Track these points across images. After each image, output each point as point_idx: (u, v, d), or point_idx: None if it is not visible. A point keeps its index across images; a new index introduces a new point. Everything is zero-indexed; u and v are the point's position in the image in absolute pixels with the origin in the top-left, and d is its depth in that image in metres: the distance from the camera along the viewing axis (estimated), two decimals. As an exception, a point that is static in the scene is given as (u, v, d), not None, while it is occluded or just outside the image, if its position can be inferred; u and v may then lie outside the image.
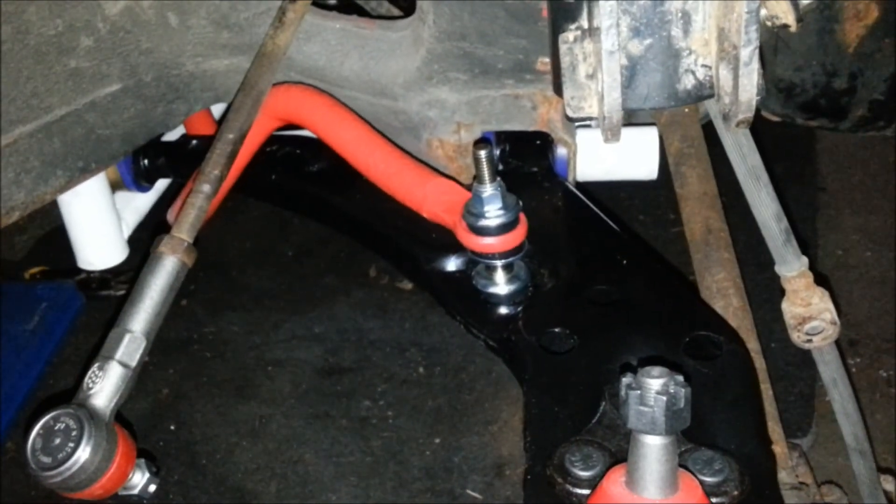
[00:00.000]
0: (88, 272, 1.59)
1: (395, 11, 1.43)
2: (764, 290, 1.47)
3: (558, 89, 0.63)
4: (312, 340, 1.54)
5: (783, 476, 0.95)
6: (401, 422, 1.38)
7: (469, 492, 1.28)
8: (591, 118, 0.62)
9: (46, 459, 0.78)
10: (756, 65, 0.52)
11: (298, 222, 1.77)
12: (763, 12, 0.62)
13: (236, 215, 1.80)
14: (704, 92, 0.59)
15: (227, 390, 1.45)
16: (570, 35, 0.59)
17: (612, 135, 0.56)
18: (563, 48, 0.60)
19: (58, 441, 0.79)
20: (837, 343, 1.05)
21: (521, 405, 1.30)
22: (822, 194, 1.85)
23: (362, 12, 1.40)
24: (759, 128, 0.90)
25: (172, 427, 1.39)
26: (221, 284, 1.66)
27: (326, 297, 1.62)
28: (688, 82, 0.58)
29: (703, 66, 0.58)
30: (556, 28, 0.61)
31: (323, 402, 1.42)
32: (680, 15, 0.57)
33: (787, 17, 0.62)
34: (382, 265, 1.65)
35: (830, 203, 1.83)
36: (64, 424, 0.80)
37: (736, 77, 0.54)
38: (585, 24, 0.59)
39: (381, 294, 1.62)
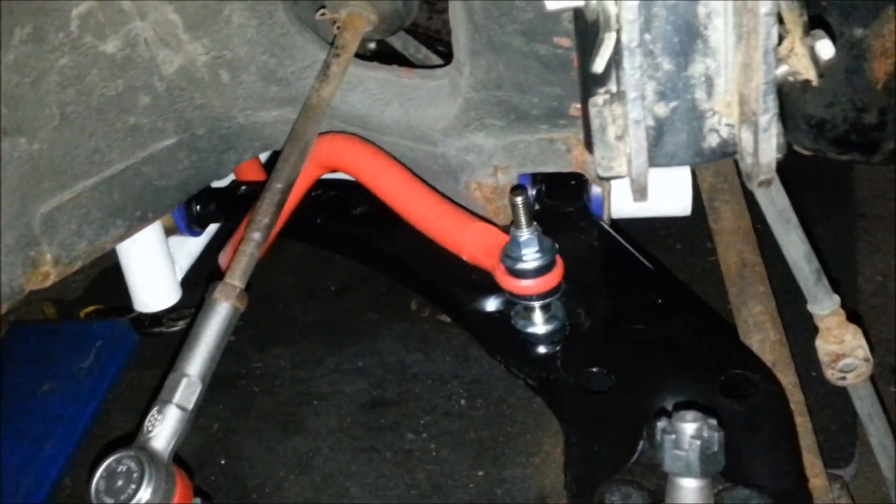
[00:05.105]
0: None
1: (433, 57, 1.48)
2: (801, 321, 1.47)
3: (589, 147, 0.67)
4: (356, 374, 1.57)
5: (823, 510, 0.96)
6: (444, 454, 1.40)
7: (513, 524, 1.30)
8: (620, 177, 0.65)
9: (110, 501, 0.82)
10: (774, 130, 0.55)
11: (340, 258, 1.81)
12: (784, 68, 0.65)
13: (280, 252, 1.85)
14: (729, 149, 0.62)
15: (274, 425, 1.49)
16: (599, 99, 0.63)
17: (640, 195, 0.59)
18: (592, 111, 0.63)
19: (120, 483, 0.83)
20: (872, 378, 1.05)
21: (562, 437, 1.31)
22: (860, 221, 1.84)
23: (402, 59, 1.45)
24: (794, 156, 0.92)
25: (223, 461, 1.44)
26: (267, 320, 1.71)
27: (369, 330, 1.66)
28: (713, 141, 0.61)
29: (727, 125, 0.61)
30: (587, 92, 0.65)
31: (368, 436, 1.45)
32: (703, 79, 0.60)
33: (809, 73, 0.65)
34: (423, 299, 1.69)
35: (869, 230, 1.82)
36: (126, 466, 0.83)
37: (756, 141, 0.57)
38: (614, 89, 0.63)
39: (422, 327, 1.65)
